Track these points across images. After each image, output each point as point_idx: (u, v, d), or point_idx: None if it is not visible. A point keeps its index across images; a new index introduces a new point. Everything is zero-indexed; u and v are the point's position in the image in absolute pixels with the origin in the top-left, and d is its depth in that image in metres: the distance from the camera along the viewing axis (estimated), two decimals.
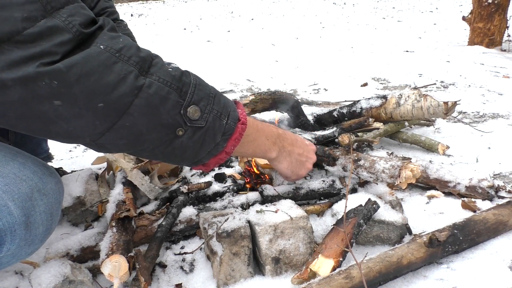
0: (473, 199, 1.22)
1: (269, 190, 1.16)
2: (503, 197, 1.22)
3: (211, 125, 0.76)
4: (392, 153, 1.60)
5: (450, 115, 1.38)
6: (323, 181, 1.23)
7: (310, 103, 2.33)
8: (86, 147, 1.47)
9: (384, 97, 1.48)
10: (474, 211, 1.16)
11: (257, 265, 1.00)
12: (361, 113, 1.50)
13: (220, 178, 1.27)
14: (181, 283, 0.96)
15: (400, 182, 1.04)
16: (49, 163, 1.57)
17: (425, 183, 1.31)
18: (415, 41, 4.69)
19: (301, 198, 1.19)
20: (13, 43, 0.58)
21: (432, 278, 0.93)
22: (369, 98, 1.53)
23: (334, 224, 1.01)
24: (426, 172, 1.30)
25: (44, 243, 0.80)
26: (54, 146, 1.60)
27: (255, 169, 1.29)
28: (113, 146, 0.73)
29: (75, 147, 1.84)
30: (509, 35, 3.92)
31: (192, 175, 1.36)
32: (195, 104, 0.73)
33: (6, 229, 0.68)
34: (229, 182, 1.27)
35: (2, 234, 0.68)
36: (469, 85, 2.59)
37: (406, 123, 1.72)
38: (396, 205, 1.12)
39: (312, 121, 1.62)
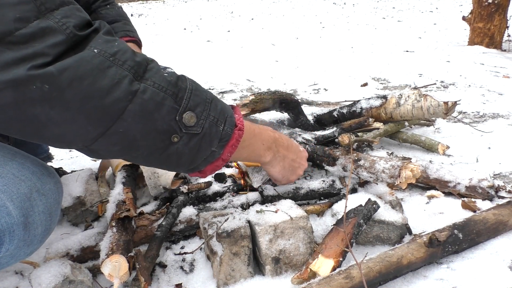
0: (473, 199, 1.22)
1: (269, 190, 1.16)
2: (503, 197, 1.22)
3: (207, 131, 0.75)
4: (392, 153, 1.60)
5: (450, 115, 1.38)
6: (323, 181, 1.23)
7: (310, 103, 2.33)
8: None
9: (384, 97, 1.48)
10: (474, 211, 1.16)
11: (257, 265, 1.00)
12: (361, 113, 1.50)
13: (220, 178, 1.27)
14: (181, 283, 0.96)
15: (400, 182, 1.05)
16: (49, 163, 1.57)
17: (425, 183, 1.31)
18: (415, 41, 4.69)
19: (301, 198, 1.19)
20: (4, 44, 0.57)
21: (432, 278, 0.93)
22: (369, 98, 1.53)
23: (334, 224, 1.01)
24: (426, 172, 1.30)
25: (43, 243, 0.80)
26: None
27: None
28: (106, 152, 0.72)
29: None
30: (509, 35, 3.92)
31: None
32: (191, 110, 0.72)
33: (5, 229, 0.67)
34: (229, 182, 1.27)
35: (1, 234, 0.68)
36: (469, 85, 2.59)
37: (406, 123, 1.72)
38: (396, 205, 1.12)
39: (312, 121, 1.62)
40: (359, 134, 1.49)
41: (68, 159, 1.74)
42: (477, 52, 3.63)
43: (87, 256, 1.01)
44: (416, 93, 1.41)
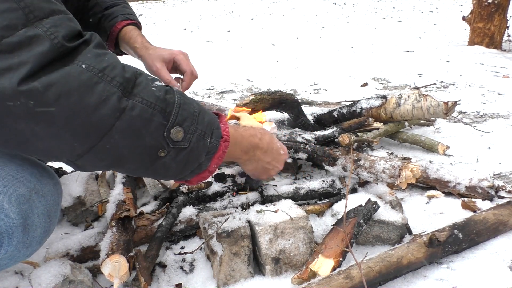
0: (473, 199, 1.22)
1: (269, 190, 1.16)
2: (503, 197, 1.22)
3: (194, 145, 0.74)
4: (392, 153, 1.60)
5: (450, 115, 1.38)
6: (323, 181, 1.23)
7: (310, 103, 2.33)
8: None
9: (384, 97, 1.48)
10: (474, 211, 1.16)
11: (257, 265, 1.00)
12: (361, 113, 1.50)
13: (220, 178, 1.27)
14: (181, 283, 0.96)
15: (400, 182, 1.04)
16: (49, 163, 1.57)
17: (425, 183, 1.31)
18: (415, 41, 4.69)
19: (301, 198, 1.19)
20: None
21: (432, 278, 0.93)
22: (369, 98, 1.53)
23: (334, 224, 1.01)
24: (426, 172, 1.30)
25: (43, 244, 0.79)
26: None
27: None
28: (92, 167, 0.71)
29: None
30: (509, 35, 3.92)
31: None
32: (179, 125, 0.71)
33: (4, 231, 0.67)
34: (229, 182, 1.27)
35: (0, 236, 0.67)
36: (469, 85, 2.59)
37: (406, 123, 1.72)
38: (396, 205, 1.12)
39: (312, 121, 1.62)
40: (359, 134, 1.49)
41: None
42: (477, 52, 3.63)
43: (87, 256, 1.01)
44: (416, 93, 1.41)
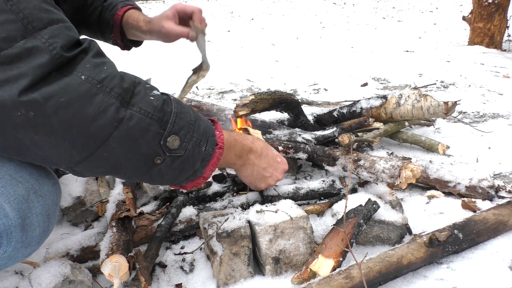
0: (473, 199, 1.22)
1: (269, 190, 1.16)
2: (503, 197, 1.22)
3: (190, 153, 0.76)
4: (392, 153, 1.60)
5: (450, 115, 1.38)
6: (323, 181, 1.23)
7: (310, 103, 2.33)
8: None
9: (384, 97, 1.48)
10: (474, 211, 1.16)
11: (257, 265, 1.00)
12: (361, 113, 1.50)
13: (219, 178, 1.27)
14: (181, 283, 0.96)
15: (400, 182, 1.04)
16: None
17: (425, 183, 1.31)
18: (415, 41, 4.69)
19: (301, 198, 1.19)
20: None
21: (432, 278, 0.93)
22: (369, 98, 1.53)
23: (334, 224, 1.01)
24: (426, 172, 1.30)
25: (42, 244, 0.79)
26: None
27: None
28: (89, 173, 0.73)
29: None
30: (509, 35, 3.92)
31: None
32: (175, 134, 0.72)
33: (2, 231, 0.67)
34: (229, 182, 1.27)
35: None
36: (469, 85, 2.59)
37: (406, 123, 1.72)
38: (396, 205, 1.12)
39: (312, 121, 1.62)
40: (359, 134, 1.49)
41: None
42: (477, 52, 3.63)
43: (87, 256, 1.01)
44: (416, 93, 1.41)
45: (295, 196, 1.17)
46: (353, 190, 1.20)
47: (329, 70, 3.25)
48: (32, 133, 0.61)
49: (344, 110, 1.55)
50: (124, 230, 0.98)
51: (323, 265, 0.89)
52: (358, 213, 1.00)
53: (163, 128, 0.71)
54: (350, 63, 3.46)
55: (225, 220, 0.97)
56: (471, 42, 4.01)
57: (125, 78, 0.68)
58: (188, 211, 1.11)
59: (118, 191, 1.14)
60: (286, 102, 1.49)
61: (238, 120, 1.45)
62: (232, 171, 1.21)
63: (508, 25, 3.88)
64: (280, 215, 0.97)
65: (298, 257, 0.97)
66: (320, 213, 1.14)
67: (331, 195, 1.21)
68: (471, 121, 1.97)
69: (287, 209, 1.00)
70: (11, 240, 0.69)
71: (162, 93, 0.75)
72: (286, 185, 1.21)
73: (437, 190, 1.29)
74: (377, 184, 1.19)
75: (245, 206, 1.15)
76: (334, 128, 1.41)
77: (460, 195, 1.25)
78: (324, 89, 2.74)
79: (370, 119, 1.33)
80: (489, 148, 1.63)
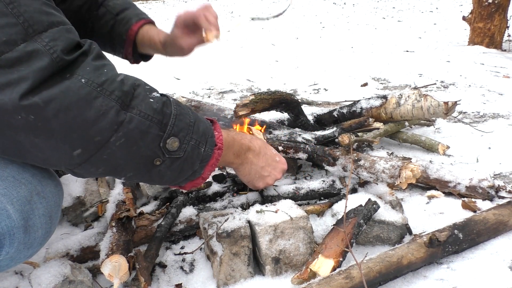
0: (473, 199, 1.22)
1: (269, 190, 1.16)
2: (503, 197, 1.22)
3: (189, 154, 0.76)
4: (392, 153, 1.60)
5: (450, 115, 1.38)
6: (323, 181, 1.23)
7: (310, 103, 2.32)
8: None
9: (384, 97, 1.48)
10: (474, 211, 1.16)
11: (257, 265, 1.00)
12: (361, 113, 1.50)
13: (219, 178, 1.27)
14: (181, 283, 0.96)
15: (400, 182, 1.04)
16: None
17: (425, 183, 1.31)
18: (415, 41, 4.69)
19: (301, 198, 1.19)
20: None
21: (432, 278, 0.93)
22: (369, 98, 1.53)
23: (334, 224, 1.01)
24: (426, 172, 1.30)
25: (44, 245, 0.80)
26: None
27: None
28: (89, 175, 0.74)
29: None
30: (509, 35, 3.91)
31: None
32: (174, 136, 0.73)
33: (5, 232, 0.67)
34: (229, 182, 1.27)
35: (1, 237, 0.67)
36: (469, 85, 2.59)
37: (406, 123, 1.72)
38: (396, 205, 1.12)
39: (312, 121, 1.62)
40: (359, 134, 1.49)
41: None
42: (477, 52, 3.63)
43: (87, 256, 1.01)
44: (416, 93, 1.41)
45: (295, 196, 1.17)
46: (353, 190, 1.20)
47: (329, 70, 3.25)
48: (32, 136, 0.61)
49: (344, 110, 1.55)
50: (124, 230, 0.98)
51: (323, 265, 0.89)
52: (358, 213, 1.00)
53: (162, 130, 0.71)
54: (350, 63, 3.46)
55: (225, 220, 0.96)
56: (471, 42, 4.00)
57: (125, 81, 0.68)
58: (188, 211, 1.11)
59: (118, 191, 1.14)
60: (286, 102, 1.49)
61: (245, 121, 1.44)
62: (232, 171, 1.21)
63: (508, 25, 3.88)
64: (280, 215, 0.97)
65: (298, 257, 0.97)
66: (320, 213, 1.14)
67: (331, 195, 1.21)
68: (471, 121, 1.97)
69: (287, 209, 1.00)
70: (14, 241, 0.69)
71: (162, 95, 0.75)
72: (286, 185, 1.21)
73: (437, 190, 1.29)
74: (377, 184, 1.19)
75: (245, 206, 1.15)
76: (334, 128, 1.41)
77: (460, 195, 1.25)
78: (324, 89, 2.74)
79: (370, 119, 1.33)
80: (489, 148, 1.63)
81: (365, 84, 2.77)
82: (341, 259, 0.91)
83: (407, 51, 4.02)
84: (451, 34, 5.06)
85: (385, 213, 1.05)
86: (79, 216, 1.21)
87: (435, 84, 2.68)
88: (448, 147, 1.58)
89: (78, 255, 1.00)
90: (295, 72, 3.28)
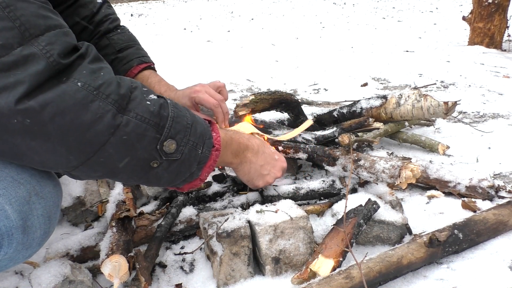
0: (473, 199, 1.22)
1: (269, 190, 1.16)
2: (503, 197, 1.22)
3: (186, 156, 0.76)
4: (392, 153, 1.60)
5: (450, 115, 1.38)
6: (323, 181, 1.23)
7: (310, 103, 2.33)
8: None
9: (384, 97, 1.48)
10: (474, 211, 1.16)
11: (257, 265, 1.00)
12: (361, 113, 1.50)
13: (219, 178, 1.27)
14: (181, 283, 0.96)
15: (400, 182, 1.04)
16: None
17: (425, 183, 1.31)
18: (415, 41, 4.69)
19: (301, 198, 1.19)
20: None
21: (432, 278, 0.93)
22: (369, 98, 1.53)
23: (334, 224, 1.01)
24: (426, 172, 1.30)
25: (42, 246, 0.80)
26: None
27: None
28: (87, 177, 0.74)
29: None
30: (509, 35, 3.91)
31: None
32: (171, 138, 0.72)
33: (3, 233, 0.67)
34: (229, 182, 1.27)
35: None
36: (469, 85, 2.59)
37: (406, 123, 1.72)
38: (396, 205, 1.12)
39: (312, 121, 1.62)
40: (359, 134, 1.49)
41: None
42: (477, 52, 3.63)
43: (87, 256, 1.01)
44: (416, 93, 1.41)
45: (295, 196, 1.17)
46: (353, 190, 1.20)
47: (329, 70, 3.25)
48: (29, 139, 0.61)
49: (344, 110, 1.55)
50: (124, 230, 0.98)
51: (323, 265, 0.89)
52: (358, 213, 1.00)
53: (159, 133, 0.71)
54: (350, 63, 3.46)
55: (225, 220, 0.97)
56: (471, 42, 4.00)
57: (122, 84, 0.68)
58: (188, 211, 1.11)
59: (118, 191, 1.14)
60: (286, 102, 1.49)
61: (247, 118, 1.44)
62: (232, 172, 1.21)
63: (508, 25, 3.88)
64: (280, 215, 0.97)
65: (298, 257, 0.97)
66: (320, 213, 1.14)
67: (331, 195, 1.21)
68: (471, 121, 1.97)
69: (287, 209, 1.00)
70: (12, 242, 0.69)
71: (158, 97, 0.74)
72: (286, 185, 1.21)
73: (437, 190, 1.29)
74: (377, 184, 1.19)
75: (245, 206, 1.15)
76: (334, 128, 1.41)
77: (460, 195, 1.25)
78: (324, 89, 2.74)
79: (370, 119, 1.33)
80: (489, 148, 1.63)
81: (365, 84, 2.77)
82: (341, 259, 0.91)
83: (407, 51, 4.02)
84: (451, 34, 5.06)
85: (385, 213, 1.05)
86: (79, 216, 1.21)
87: (435, 84, 2.68)
88: (448, 147, 1.58)
89: (78, 255, 1.00)
90: (295, 72, 3.28)
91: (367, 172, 1.14)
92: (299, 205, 1.07)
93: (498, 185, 1.26)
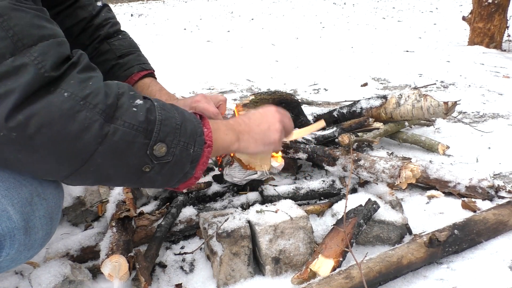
0: (473, 199, 1.22)
1: (269, 190, 1.16)
2: (503, 197, 1.22)
3: (178, 157, 0.75)
4: (392, 153, 1.60)
5: (450, 115, 1.38)
6: (323, 181, 1.23)
7: (310, 103, 2.33)
8: None
9: (384, 97, 1.48)
10: (474, 211, 1.16)
11: (257, 265, 1.00)
12: (361, 113, 1.50)
13: (219, 178, 1.27)
14: (181, 283, 0.96)
15: (400, 182, 1.04)
16: None
17: (425, 183, 1.31)
18: (415, 41, 4.69)
19: (301, 198, 1.19)
20: None
21: (432, 278, 0.93)
22: (369, 98, 1.53)
23: (334, 224, 1.01)
24: (426, 172, 1.30)
25: (44, 247, 0.80)
26: None
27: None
28: (80, 184, 0.75)
29: None
30: (509, 35, 3.92)
31: None
32: (161, 141, 0.72)
33: (6, 234, 0.67)
34: (228, 182, 1.27)
35: (1, 239, 0.67)
36: (469, 85, 2.59)
37: (406, 123, 1.72)
38: (396, 205, 1.12)
39: (312, 121, 1.62)
40: (359, 134, 1.49)
41: None
42: (477, 52, 3.63)
43: (87, 256, 1.01)
44: (416, 93, 1.41)
45: (295, 196, 1.17)
46: (353, 190, 1.20)
47: (329, 70, 3.25)
48: (15, 152, 0.61)
49: (344, 110, 1.55)
50: (124, 230, 0.98)
51: (323, 265, 0.89)
52: (358, 213, 1.00)
53: (148, 138, 0.70)
54: (350, 63, 3.46)
55: (225, 220, 0.96)
56: (471, 42, 4.01)
57: (109, 92, 0.67)
58: (188, 211, 1.11)
59: (118, 191, 1.14)
60: (286, 102, 1.49)
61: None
62: (230, 178, 1.19)
63: (508, 25, 3.88)
64: (280, 215, 0.97)
65: (298, 257, 0.97)
66: (320, 213, 1.14)
67: (331, 195, 1.21)
68: (471, 121, 1.97)
69: (287, 209, 1.00)
70: (14, 243, 0.69)
71: (145, 101, 0.73)
72: (286, 185, 1.22)
73: (437, 190, 1.29)
74: (377, 184, 1.19)
75: (245, 206, 1.15)
76: (334, 128, 1.41)
77: (460, 195, 1.25)
78: (324, 89, 2.74)
79: (370, 119, 1.33)
80: (489, 148, 1.63)
81: (365, 84, 2.77)
82: (341, 259, 0.91)
83: (407, 51, 4.02)
84: (451, 34, 5.06)
85: (385, 213, 1.05)
86: (79, 216, 1.21)
87: (435, 84, 2.68)
88: (448, 147, 1.58)
89: (78, 255, 1.00)
90: (295, 72, 3.28)
91: (367, 172, 1.14)
92: (299, 205, 1.07)
93: (498, 185, 1.26)
